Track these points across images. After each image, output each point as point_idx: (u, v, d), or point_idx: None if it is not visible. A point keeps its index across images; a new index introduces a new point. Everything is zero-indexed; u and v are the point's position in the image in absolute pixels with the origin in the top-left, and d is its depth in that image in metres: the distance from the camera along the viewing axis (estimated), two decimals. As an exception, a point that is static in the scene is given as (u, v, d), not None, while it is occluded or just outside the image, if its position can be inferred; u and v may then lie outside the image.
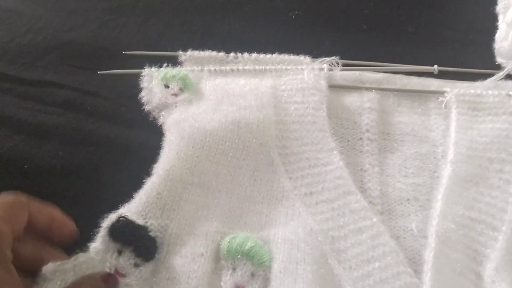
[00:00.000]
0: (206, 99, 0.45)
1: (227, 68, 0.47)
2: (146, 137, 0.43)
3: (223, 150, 0.40)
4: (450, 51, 0.52)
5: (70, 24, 0.53)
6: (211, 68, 0.47)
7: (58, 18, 0.54)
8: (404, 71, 0.49)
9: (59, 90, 0.47)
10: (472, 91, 0.44)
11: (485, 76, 0.48)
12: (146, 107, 0.45)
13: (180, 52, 0.48)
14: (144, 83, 0.46)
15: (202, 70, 0.47)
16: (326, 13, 0.54)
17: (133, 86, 0.46)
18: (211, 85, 0.46)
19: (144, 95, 0.45)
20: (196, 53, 0.48)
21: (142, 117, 0.44)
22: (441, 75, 0.49)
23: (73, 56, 0.50)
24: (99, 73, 0.48)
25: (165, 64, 0.47)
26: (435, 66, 0.49)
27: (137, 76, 0.46)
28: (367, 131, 0.43)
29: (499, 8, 0.50)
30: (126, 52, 0.50)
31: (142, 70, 0.47)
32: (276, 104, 0.44)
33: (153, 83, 0.46)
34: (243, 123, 0.42)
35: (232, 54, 0.48)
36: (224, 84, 0.46)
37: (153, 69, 0.47)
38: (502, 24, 0.47)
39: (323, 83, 0.44)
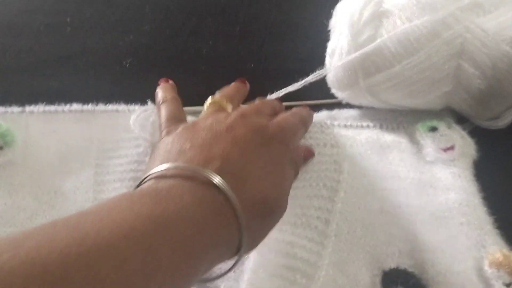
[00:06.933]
0: (28, 164, 0.42)
1: (52, 108, 0.44)
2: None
3: (35, 223, 0.38)
4: (292, 83, 0.50)
5: None
6: (34, 110, 0.44)
7: None
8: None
9: None
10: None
11: (326, 107, 0.47)
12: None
13: None
14: None
15: (23, 111, 0.44)
16: (160, 57, 0.52)
17: None
18: (36, 145, 0.43)
19: None
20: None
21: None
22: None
23: None
24: None
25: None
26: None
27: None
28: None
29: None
30: None
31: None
32: (98, 162, 0.42)
33: None
34: (60, 193, 0.40)
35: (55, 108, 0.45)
36: (48, 140, 0.43)
37: None
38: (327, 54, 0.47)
39: (149, 129, 0.42)
